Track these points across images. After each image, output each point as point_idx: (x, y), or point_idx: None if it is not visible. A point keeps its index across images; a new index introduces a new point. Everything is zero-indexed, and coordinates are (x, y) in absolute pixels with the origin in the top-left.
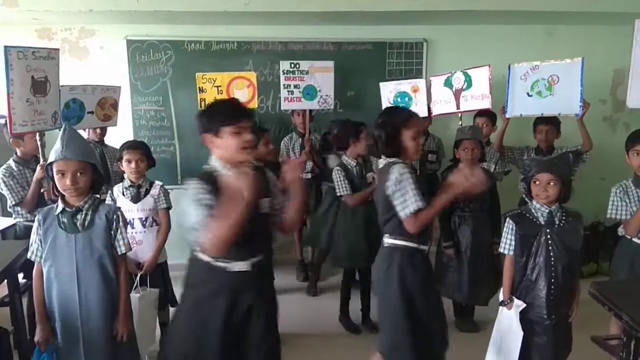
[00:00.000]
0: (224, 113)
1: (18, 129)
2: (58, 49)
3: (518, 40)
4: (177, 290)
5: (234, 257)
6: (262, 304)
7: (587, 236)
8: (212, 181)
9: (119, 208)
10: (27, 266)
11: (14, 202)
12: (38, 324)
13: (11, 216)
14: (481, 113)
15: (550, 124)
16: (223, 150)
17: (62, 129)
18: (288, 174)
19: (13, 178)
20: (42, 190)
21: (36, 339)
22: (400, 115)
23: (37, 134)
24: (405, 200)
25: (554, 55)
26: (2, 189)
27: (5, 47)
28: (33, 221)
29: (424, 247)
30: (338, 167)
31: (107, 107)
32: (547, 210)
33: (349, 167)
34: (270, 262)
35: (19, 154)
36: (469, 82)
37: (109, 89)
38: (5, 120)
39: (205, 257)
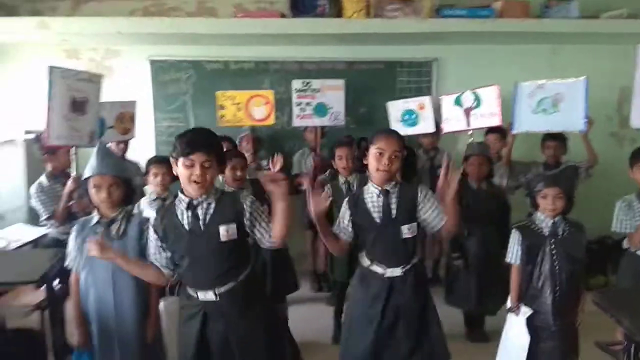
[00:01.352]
0: (183, 143)
1: (54, 141)
2: (101, 75)
3: (525, 59)
4: None
5: (196, 286)
6: (237, 334)
7: (594, 250)
8: (163, 215)
9: (149, 219)
10: (61, 273)
11: (45, 216)
12: (76, 327)
13: (42, 226)
14: (493, 129)
15: (557, 140)
16: (180, 179)
17: (96, 147)
18: (266, 186)
19: (44, 193)
20: (70, 203)
21: (75, 341)
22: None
23: (73, 148)
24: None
25: (559, 73)
26: (34, 204)
27: (50, 66)
28: (63, 234)
29: (377, 269)
30: (330, 186)
31: (126, 120)
32: (551, 222)
33: (339, 183)
34: (249, 289)
35: (49, 169)
36: (478, 100)
37: (126, 103)
38: (36, 136)
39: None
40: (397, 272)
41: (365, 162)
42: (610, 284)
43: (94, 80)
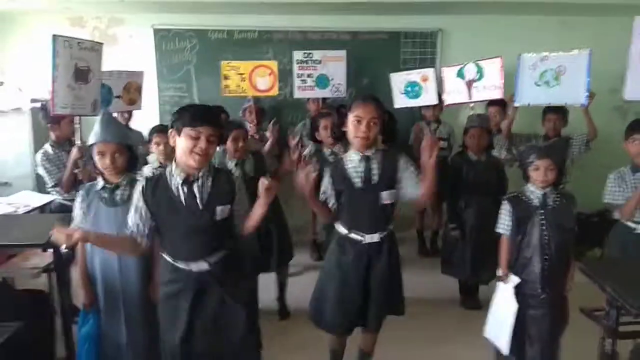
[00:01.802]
0: (189, 115)
1: (59, 110)
2: (102, 43)
3: (531, 31)
4: None
5: (188, 259)
6: (231, 293)
7: (594, 222)
8: (154, 186)
9: None
10: None
11: (51, 184)
12: (82, 289)
13: (48, 193)
14: (494, 102)
15: (558, 113)
16: (179, 150)
17: (101, 114)
18: (261, 189)
19: (50, 161)
20: (76, 171)
21: (81, 302)
22: (350, 103)
23: (75, 117)
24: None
25: (566, 45)
26: (41, 172)
27: (54, 35)
28: (68, 200)
29: (355, 235)
30: (314, 156)
31: (132, 91)
32: (542, 193)
33: (325, 155)
34: (235, 255)
35: (53, 138)
36: (480, 73)
37: (133, 73)
38: (41, 105)
39: (167, 257)
40: (375, 238)
41: (344, 130)
42: (605, 256)
43: (96, 48)
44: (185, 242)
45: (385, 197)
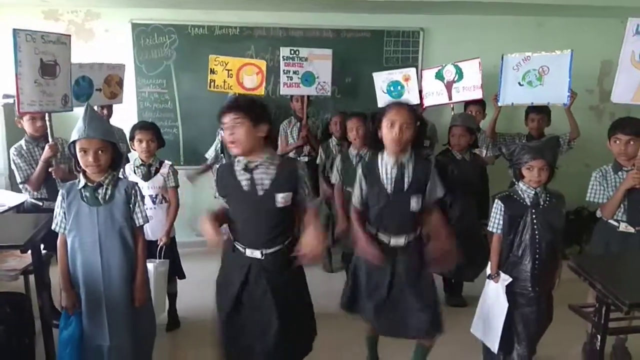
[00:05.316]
0: (221, 110)
1: (26, 108)
2: (69, 35)
3: (510, 31)
4: (185, 264)
5: (246, 244)
6: (276, 285)
7: (571, 220)
8: (225, 171)
9: (137, 183)
10: (47, 238)
11: (20, 180)
12: (64, 290)
13: (20, 191)
14: (473, 102)
15: (541, 112)
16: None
17: (84, 109)
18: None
19: (22, 157)
20: (50, 170)
21: (63, 304)
22: (383, 108)
23: (47, 114)
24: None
25: (544, 46)
26: (12, 167)
27: (14, 29)
28: (40, 199)
29: (383, 238)
30: (340, 156)
31: (113, 84)
32: (533, 192)
33: (350, 157)
34: (290, 252)
35: (29, 133)
36: (460, 74)
37: (115, 66)
38: (14, 100)
39: (231, 235)
40: (400, 241)
41: (380, 136)
42: (584, 253)
43: (62, 41)
44: (245, 227)
45: (414, 203)
